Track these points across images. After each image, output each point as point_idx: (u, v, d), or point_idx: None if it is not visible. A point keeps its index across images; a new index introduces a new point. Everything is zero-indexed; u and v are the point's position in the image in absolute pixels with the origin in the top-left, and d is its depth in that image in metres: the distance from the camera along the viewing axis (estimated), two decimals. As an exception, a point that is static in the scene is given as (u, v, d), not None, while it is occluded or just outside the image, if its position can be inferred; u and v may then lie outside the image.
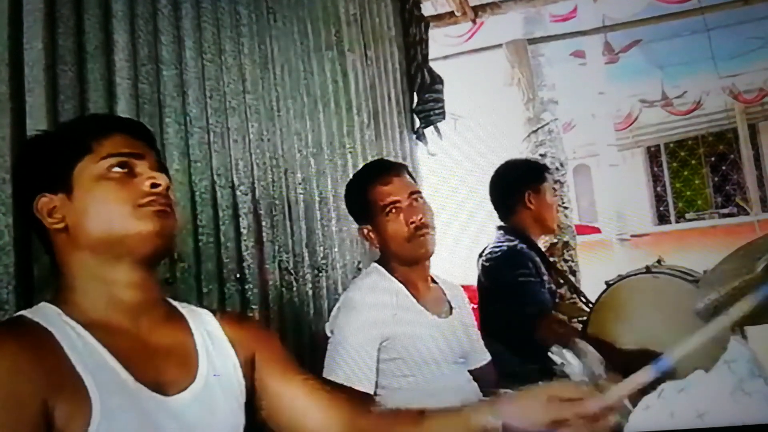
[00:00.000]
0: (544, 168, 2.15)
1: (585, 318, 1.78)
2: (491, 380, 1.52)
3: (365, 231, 1.41)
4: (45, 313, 0.75)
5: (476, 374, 1.50)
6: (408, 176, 1.42)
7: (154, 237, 0.78)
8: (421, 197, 1.40)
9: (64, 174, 0.78)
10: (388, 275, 1.39)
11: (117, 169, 0.78)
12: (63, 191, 0.78)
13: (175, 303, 0.91)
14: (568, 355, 1.30)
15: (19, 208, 0.84)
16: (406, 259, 1.38)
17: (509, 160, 2.17)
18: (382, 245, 1.40)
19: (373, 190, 1.38)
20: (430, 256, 1.39)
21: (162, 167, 0.85)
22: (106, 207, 0.77)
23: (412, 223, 1.34)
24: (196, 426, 0.78)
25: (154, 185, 0.79)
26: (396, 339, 1.29)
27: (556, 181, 2.22)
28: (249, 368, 0.89)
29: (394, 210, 1.35)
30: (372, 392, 1.27)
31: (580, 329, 1.93)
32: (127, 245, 0.77)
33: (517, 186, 2.02)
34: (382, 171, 1.42)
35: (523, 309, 1.72)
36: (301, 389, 0.89)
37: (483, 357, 1.54)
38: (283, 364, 0.92)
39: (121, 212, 0.77)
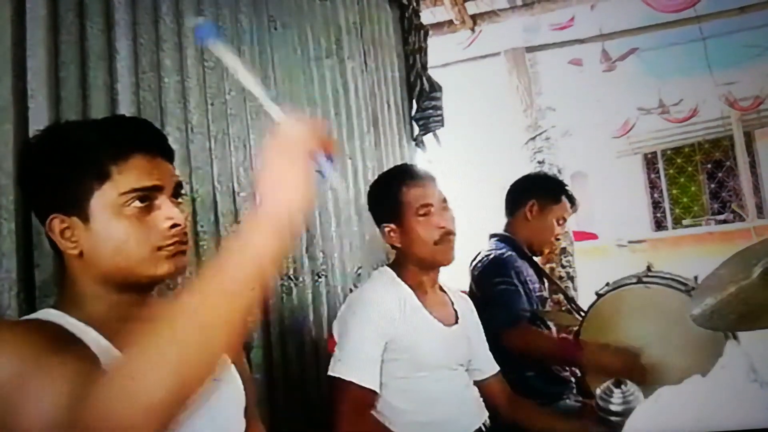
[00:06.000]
0: (563, 191, 2.02)
1: (577, 327, 1.78)
2: (501, 392, 1.52)
3: (387, 230, 1.41)
4: (48, 315, 0.76)
5: (484, 385, 1.50)
6: (437, 184, 1.44)
7: (166, 278, 0.80)
8: (449, 206, 1.41)
9: (81, 200, 0.76)
10: (398, 279, 1.40)
11: (137, 203, 0.77)
12: (78, 216, 0.76)
13: None
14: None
15: (24, 199, 0.82)
16: (427, 262, 1.39)
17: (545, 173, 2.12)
18: (405, 246, 1.40)
19: (408, 190, 1.38)
20: (450, 263, 1.40)
21: (179, 187, 0.83)
22: (123, 248, 0.76)
23: (442, 228, 1.36)
24: (203, 428, 0.79)
25: (173, 225, 0.78)
26: (399, 341, 1.30)
27: (573, 205, 2.06)
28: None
29: (426, 212, 1.36)
30: (377, 389, 1.27)
31: (560, 341, 1.93)
32: (140, 283, 0.79)
33: (526, 193, 2.01)
34: (417, 174, 1.43)
35: (496, 316, 1.71)
36: None
37: (490, 368, 1.54)
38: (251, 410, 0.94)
39: (137, 254, 0.76)
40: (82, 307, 0.78)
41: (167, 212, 0.78)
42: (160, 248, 0.77)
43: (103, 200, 0.76)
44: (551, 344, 1.81)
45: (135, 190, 0.76)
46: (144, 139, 0.81)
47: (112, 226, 0.76)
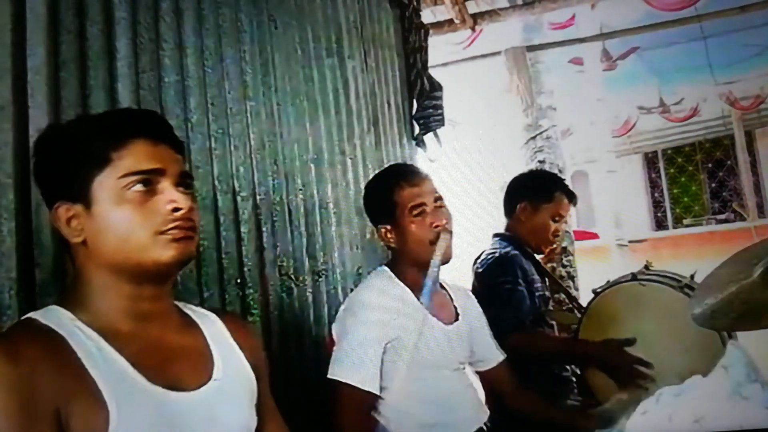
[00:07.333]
0: (557, 188, 1.99)
1: (576, 326, 1.78)
2: (506, 380, 1.53)
3: (383, 230, 1.41)
4: (57, 318, 0.75)
5: (489, 375, 1.51)
6: (432, 182, 1.44)
7: (171, 264, 0.78)
8: (444, 203, 1.41)
9: (83, 186, 0.76)
10: (396, 279, 1.39)
11: (138, 187, 0.76)
12: (82, 203, 0.76)
13: (182, 306, 0.91)
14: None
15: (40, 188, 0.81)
16: (424, 261, 1.37)
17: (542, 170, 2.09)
18: (401, 246, 1.40)
19: (401, 190, 1.38)
20: (448, 261, 1.39)
21: (186, 176, 0.82)
22: (124, 232, 0.75)
23: (437, 226, 1.35)
24: (214, 423, 0.78)
25: (175, 209, 0.76)
26: (399, 342, 1.30)
27: (571, 201, 2.01)
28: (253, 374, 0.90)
29: (420, 212, 1.36)
30: (377, 392, 1.27)
31: (564, 341, 1.93)
32: (144, 270, 0.77)
33: (517, 194, 2.01)
34: (410, 173, 1.43)
35: (503, 317, 1.69)
36: None
37: (496, 356, 1.54)
38: (267, 402, 0.93)
39: (139, 239, 0.75)
40: (91, 306, 0.77)
41: (169, 196, 0.77)
42: (161, 232, 0.76)
43: (104, 185, 0.76)
44: (556, 345, 1.81)
45: (134, 173, 0.76)
46: (146, 125, 0.80)
47: (112, 211, 0.75)
